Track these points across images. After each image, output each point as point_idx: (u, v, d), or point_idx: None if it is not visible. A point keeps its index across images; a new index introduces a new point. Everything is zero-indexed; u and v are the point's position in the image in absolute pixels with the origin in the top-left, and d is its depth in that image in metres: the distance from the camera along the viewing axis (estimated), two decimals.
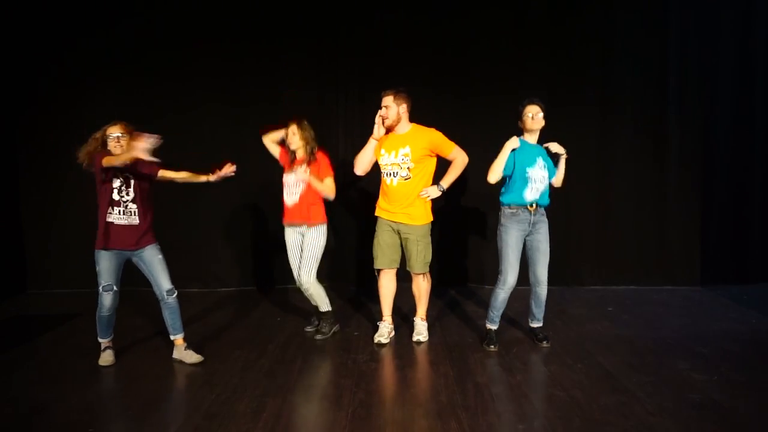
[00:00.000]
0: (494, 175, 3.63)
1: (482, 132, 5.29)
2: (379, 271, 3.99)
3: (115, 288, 3.44)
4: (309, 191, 3.89)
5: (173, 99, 5.33)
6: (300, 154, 3.93)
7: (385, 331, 3.97)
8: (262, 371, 3.40)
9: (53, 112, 5.43)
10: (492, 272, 5.42)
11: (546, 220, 3.75)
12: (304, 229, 3.95)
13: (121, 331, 4.19)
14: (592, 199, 5.47)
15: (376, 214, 3.99)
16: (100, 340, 3.57)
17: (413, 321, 4.09)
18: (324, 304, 4.03)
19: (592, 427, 2.65)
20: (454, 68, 5.42)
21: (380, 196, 3.98)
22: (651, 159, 5.41)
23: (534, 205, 3.66)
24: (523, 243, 3.71)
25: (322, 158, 3.94)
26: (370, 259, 5.53)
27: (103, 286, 3.41)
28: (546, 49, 5.37)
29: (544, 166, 3.70)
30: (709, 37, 5.34)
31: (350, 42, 5.48)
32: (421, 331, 3.98)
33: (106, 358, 3.53)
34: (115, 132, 3.35)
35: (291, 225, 4.01)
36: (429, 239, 3.89)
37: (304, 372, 3.46)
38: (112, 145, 3.35)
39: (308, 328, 4.19)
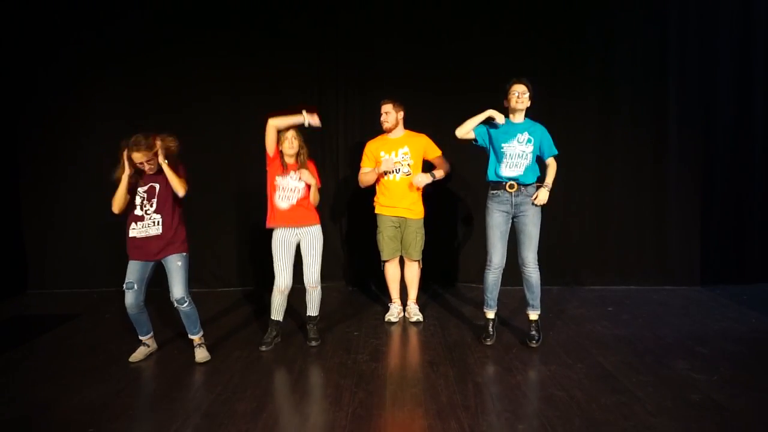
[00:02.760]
0: (461, 129, 3.74)
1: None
2: (384, 262, 4.43)
3: (135, 287, 3.48)
4: (306, 195, 3.88)
5: (171, 96, 5.32)
6: (292, 160, 3.88)
7: (395, 311, 4.46)
8: (262, 371, 3.41)
9: (53, 111, 5.44)
10: None
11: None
12: (301, 230, 3.88)
13: (121, 331, 4.21)
14: (592, 198, 5.46)
15: (377, 211, 4.42)
16: (140, 337, 3.71)
17: (407, 306, 4.51)
18: (318, 306, 4.01)
19: (592, 427, 2.65)
20: (453, 63, 5.40)
21: (379, 195, 4.41)
22: (651, 158, 5.40)
23: (515, 185, 3.66)
24: (512, 226, 3.77)
25: (311, 166, 3.94)
26: (370, 258, 5.55)
27: (125, 284, 3.50)
28: (546, 46, 5.35)
29: (527, 141, 3.67)
30: (709, 35, 5.33)
31: (349, 37, 5.45)
32: (417, 312, 4.43)
33: (135, 354, 3.65)
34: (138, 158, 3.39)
35: (286, 227, 3.85)
36: (423, 230, 4.43)
37: (304, 372, 3.46)
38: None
39: (264, 347, 3.83)
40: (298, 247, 3.92)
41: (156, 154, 3.40)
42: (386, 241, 4.35)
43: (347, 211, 5.63)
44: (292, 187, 3.85)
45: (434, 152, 4.39)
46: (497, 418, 2.75)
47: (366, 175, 4.38)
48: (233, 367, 3.46)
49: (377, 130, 4.50)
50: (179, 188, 3.43)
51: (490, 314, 3.90)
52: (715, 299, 4.99)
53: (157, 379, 3.35)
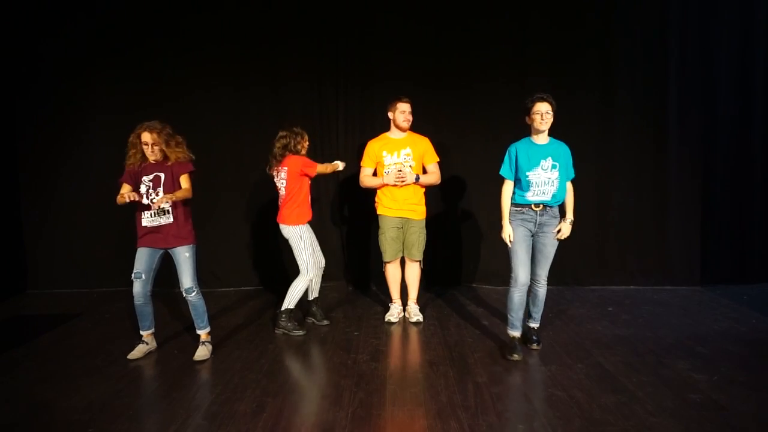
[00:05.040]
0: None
1: (483, 120, 5.30)
2: (385, 262, 4.41)
3: (143, 277, 3.53)
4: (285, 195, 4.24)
5: (171, 92, 5.31)
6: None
7: (395, 312, 4.45)
8: (262, 371, 3.40)
9: (51, 111, 5.43)
10: (492, 272, 5.45)
11: (557, 222, 3.57)
12: None
13: (122, 331, 4.21)
14: (592, 198, 5.45)
15: (379, 212, 4.37)
16: (141, 332, 3.73)
17: (407, 306, 4.49)
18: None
19: (592, 427, 2.65)
20: (454, 56, 5.38)
21: (381, 196, 4.34)
22: (651, 159, 5.40)
23: (540, 205, 3.50)
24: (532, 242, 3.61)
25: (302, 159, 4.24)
26: (370, 259, 5.55)
27: (133, 274, 3.55)
28: (546, 40, 5.32)
29: (552, 168, 3.48)
30: (710, 35, 5.32)
31: (349, 31, 5.44)
32: (417, 312, 4.41)
33: (134, 351, 3.66)
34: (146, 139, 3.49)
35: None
36: (425, 231, 4.40)
37: (304, 372, 3.46)
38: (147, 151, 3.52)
39: (327, 321, 4.38)
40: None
41: (163, 142, 3.49)
42: (389, 242, 4.32)
43: (347, 211, 5.62)
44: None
45: (431, 159, 4.34)
46: (497, 418, 2.75)
47: (370, 180, 4.36)
48: (233, 367, 3.46)
49: (378, 127, 4.49)
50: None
51: (515, 333, 3.63)
52: (716, 299, 4.99)
53: (157, 379, 3.35)
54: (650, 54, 5.34)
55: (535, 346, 3.72)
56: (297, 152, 4.09)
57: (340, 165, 4.35)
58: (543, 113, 3.43)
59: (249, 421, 2.74)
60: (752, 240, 5.54)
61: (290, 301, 4.09)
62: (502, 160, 3.59)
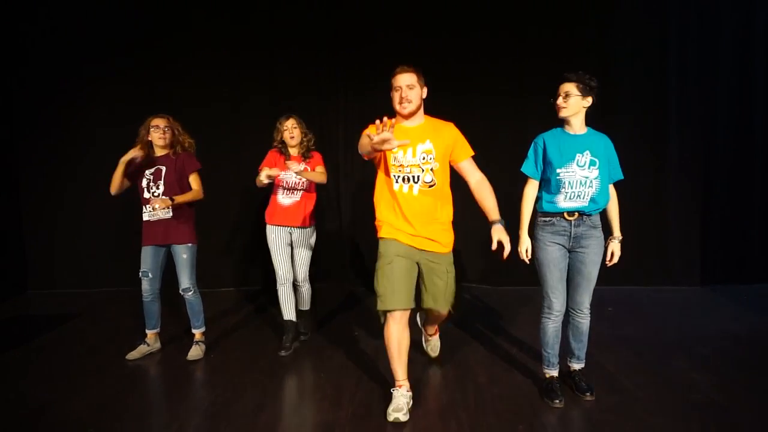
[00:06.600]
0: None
1: (481, 121, 5.28)
2: (385, 314, 2.80)
3: (150, 275, 3.55)
4: (309, 192, 3.83)
5: (170, 94, 5.30)
6: (296, 151, 3.83)
7: (402, 402, 2.73)
8: (262, 371, 3.41)
9: (52, 112, 5.44)
10: (492, 272, 5.44)
11: (598, 234, 2.89)
12: (292, 229, 3.79)
13: (122, 331, 4.21)
14: None
15: (382, 235, 2.88)
16: (146, 330, 3.75)
17: (427, 341, 3.54)
18: (309, 301, 3.99)
19: (592, 427, 2.65)
20: (454, 59, 5.36)
21: (386, 211, 2.89)
22: (651, 159, 5.40)
23: (575, 213, 2.82)
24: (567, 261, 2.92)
25: (317, 156, 3.89)
26: (370, 258, 5.52)
27: (140, 273, 3.58)
28: (545, 43, 5.31)
29: (590, 165, 2.78)
30: (710, 37, 5.32)
31: (348, 32, 5.44)
32: (435, 348, 3.55)
33: (133, 352, 3.66)
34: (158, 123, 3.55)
35: (281, 226, 3.76)
36: (454, 268, 3.00)
37: (304, 372, 3.46)
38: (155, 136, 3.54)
39: (283, 353, 3.69)
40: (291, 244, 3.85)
41: (173, 134, 3.55)
42: (396, 280, 2.74)
43: (347, 211, 5.62)
44: (293, 182, 3.76)
45: (464, 152, 2.90)
46: (497, 418, 2.75)
47: (363, 139, 2.76)
48: (233, 367, 3.46)
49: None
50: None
51: (553, 372, 2.99)
52: (715, 299, 4.99)
53: (157, 379, 3.36)
54: (650, 55, 5.34)
55: (588, 396, 2.93)
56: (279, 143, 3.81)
57: (263, 175, 3.61)
58: (561, 95, 2.80)
59: (249, 421, 2.74)
60: (752, 240, 5.54)
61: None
62: (525, 157, 2.95)
